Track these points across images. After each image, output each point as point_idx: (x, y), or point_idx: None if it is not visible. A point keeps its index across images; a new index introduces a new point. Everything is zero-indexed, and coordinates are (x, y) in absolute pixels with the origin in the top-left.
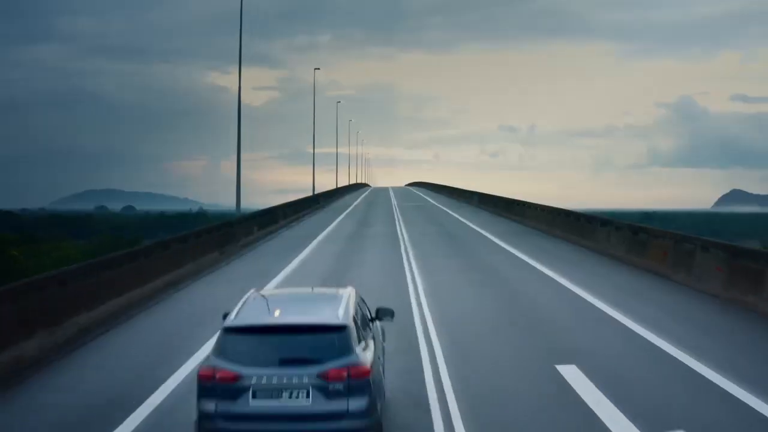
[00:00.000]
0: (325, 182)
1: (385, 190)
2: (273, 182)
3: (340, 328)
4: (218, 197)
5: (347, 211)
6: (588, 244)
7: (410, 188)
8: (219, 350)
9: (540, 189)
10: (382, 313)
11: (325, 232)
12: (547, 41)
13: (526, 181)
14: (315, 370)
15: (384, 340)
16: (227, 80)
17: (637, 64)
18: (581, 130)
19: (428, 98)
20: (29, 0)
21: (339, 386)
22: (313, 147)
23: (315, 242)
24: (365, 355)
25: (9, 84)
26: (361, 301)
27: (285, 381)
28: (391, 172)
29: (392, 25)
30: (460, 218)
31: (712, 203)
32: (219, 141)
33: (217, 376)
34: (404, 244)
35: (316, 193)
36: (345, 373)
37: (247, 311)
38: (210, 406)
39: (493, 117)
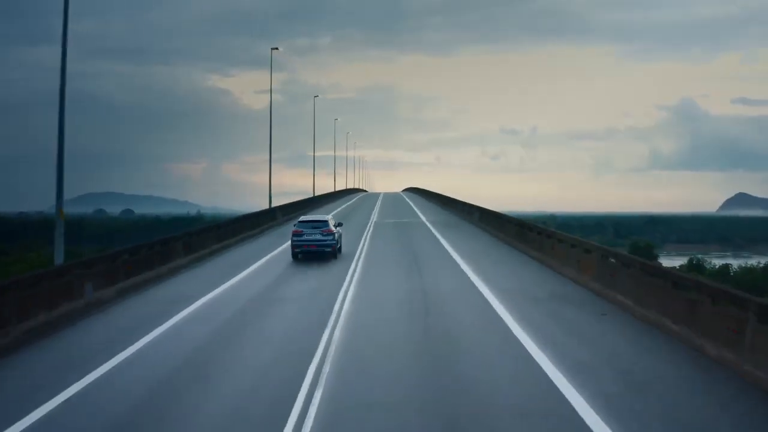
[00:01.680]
0: (326, 185)
1: (374, 197)
2: (274, 184)
3: (326, 221)
4: (218, 200)
5: None
6: (727, 357)
7: (403, 195)
8: (296, 225)
9: (540, 190)
10: (338, 224)
11: (214, 294)
12: (547, 42)
13: (527, 183)
14: (319, 229)
15: (342, 232)
16: (228, 82)
17: (637, 66)
18: (582, 132)
19: (428, 100)
20: (29, 1)
21: (326, 233)
22: (269, 146)
23: (161, 329)
24: (332, 227)
25: (9, 84)
26: (333, 218)
27: (313, 231)
28: (391, 174)
29: (392, 26)
30: (453, 252)
31: (717, 207)
32: (220, 143)
33: (297, 230)
34: (326, 345)
35: (277, 205)
36: (327, 230)
37: (303, 217)
38: (295, 238)
39: (494, 119)
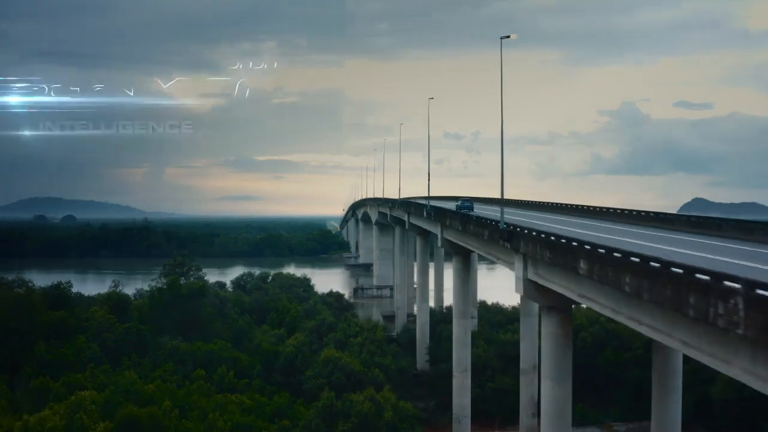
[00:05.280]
0: (275, 190)
1: None
2: (218, 189)
3: (470, 198)
4: (161, 205)
5: None
6: None
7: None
8: (457, 202)
9: (484, 194)
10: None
11: None
12: (492, 48)
13: (471, 186)
14: (470, 202)
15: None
16: (171, 87)
17: (580, 70)
18: (526, 137)
19: (373, 105)
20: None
21: (470, 202)
22: None
23: None
24: (472, 201)
25: None
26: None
27: (465, 202)
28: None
29: (338, 31)
30: None
31: (675, 212)
32: (162, 148)
33: (459, 204)
34: None
35: None
36: (470, 201)
37: (461, 198)
38: (458, 204)
39: (437, 123)
